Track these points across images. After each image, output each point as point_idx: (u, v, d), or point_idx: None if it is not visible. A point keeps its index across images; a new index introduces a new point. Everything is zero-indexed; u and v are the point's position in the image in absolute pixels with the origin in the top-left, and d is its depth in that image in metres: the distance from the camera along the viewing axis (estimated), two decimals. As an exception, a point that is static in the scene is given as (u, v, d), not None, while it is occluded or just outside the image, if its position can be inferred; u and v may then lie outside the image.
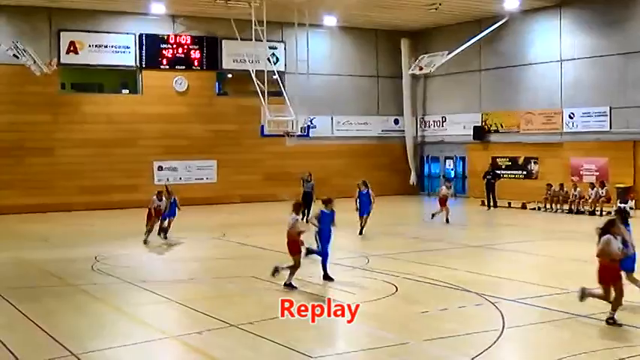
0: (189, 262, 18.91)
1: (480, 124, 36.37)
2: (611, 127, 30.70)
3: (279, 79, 33.63)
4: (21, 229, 26.21)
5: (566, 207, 29.56)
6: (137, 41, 33.70)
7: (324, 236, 14.99)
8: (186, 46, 34.65)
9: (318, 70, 35.93)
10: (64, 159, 32.32)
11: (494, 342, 10.45)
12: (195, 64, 34.86)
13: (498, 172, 33.85)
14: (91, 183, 32.59)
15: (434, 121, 39.44)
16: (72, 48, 32.52)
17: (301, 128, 31.25)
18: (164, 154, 34.15)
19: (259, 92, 30.42)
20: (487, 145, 36.20)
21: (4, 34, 30.39)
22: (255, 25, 30.51)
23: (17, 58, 29.14)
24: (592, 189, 28.99)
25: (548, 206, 30.16)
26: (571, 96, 32.20)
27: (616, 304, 11.16)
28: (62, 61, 32.21)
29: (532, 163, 34.15)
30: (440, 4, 32.17)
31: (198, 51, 34.86)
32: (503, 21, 34.27)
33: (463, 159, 38.09)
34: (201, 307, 12.81)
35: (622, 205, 27.70)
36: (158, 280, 16.09)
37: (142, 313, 13.00)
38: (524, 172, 34.45)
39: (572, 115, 32.12)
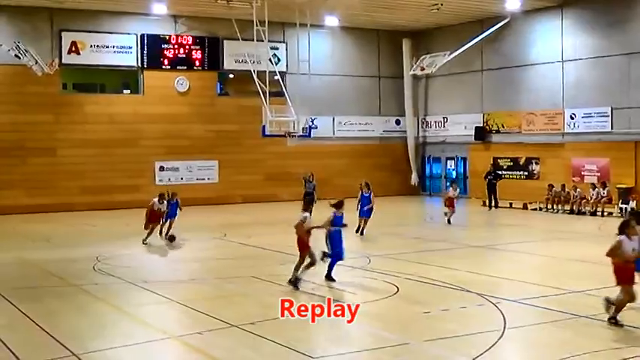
0: (190, 262, 18.91)
1: (481, 125, 36.35)
2: (612, 128, 30.66)
3: (280, 79, 33.64)
4: (23, 229, 26.22)
5: (567, 207, 29.54)
6: (138, 41, 33.71)
7: (336, 239, 14.87)
8: (187, 47, 34.66)
9: (319, 70, 35.93)
10: (65, 159, 32.34)
11: (496, 342, 10.43)
12: (197, 64, 34.87)
13: (500, 172, 33.84)
14: (93, 183, 32.60)
15: (435, 122, 39.42)
16: (73, 48, 32.54)
17: (302, 128, 31.22)
18: (165, 155, 34.16)
19: (260, 92, 30.41)
20: (488, 145, 36.18)
21: (6, 35, 30.41)
22: (256, 25, 30.49)
23: (19, 58, 29.19)
24: (593, 189, 28.99)
25: (549, 207, 30.15)
26: (573, 96, 32.17)
27: (621, 305, 11.12)
28: (64, 61, 32.23)
29: (533, 164, 34.11)
30: (441, 5, 32.14)
31: (199, 51, 34.87)
32: (505, 21, 34.26)
33: (464, 159, 38.07)
34: (202, 308, 12.81)
35: (623, 206, 27.75)
36: (159, 281, 16.09)
37: (143, 314, 13.00)
38: (526, 173, 34.42)
39: (573, 116, 32.09)
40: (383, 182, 34.83)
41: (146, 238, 21.43)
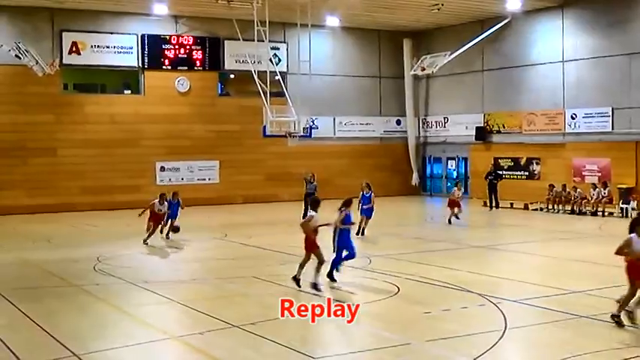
0: (190, 262, 18.92)
1: (482, 125, 36.34)
2: (613, 128, 30.65)
3: (281, 79, 33.63)
4: (23, 229, 26.23)
5: (568, 208, 29.53)
6: (139, 42, 33.71)
7: (345, 238, 14.80)
8: (188, 47, 34.67)
9: (320, 70, 35.93)
10: (66, 159, 32.35)
11: (497, 342, 10.43)
12: (198, 64, 34.88)
13: (500, 172, 33.84)
14: (94, 183, 32.61)
15: (436, 122, 39.42)
16: (74, 48, 32.54)
17: (303, 129, 31.20)
18: (166, 155, 34.17)
19: (261, 93, 30.40)
20: (489, 145, 36.18)
21: (7, 35, 30.44)
22: (257, 25, 30.49)
23: (19, 58, 29.22)
24: (594, 189, 28.98)
25: (550, 207, 30.14)
26: (573, 96, 32.17)
27: (626, 302, 11.09)
28: (64, 61, 32.25)
29: (534, 164, 34.11)
30: (442, 5, 32.16)
31: (200, 51, 34.88)
32: (506, 21, 34.29)
33: (465, 160, 38.07)
34: (203, 308, 12.81)
35: (624, 206, 27.75)
36: (160, 281, 16.09)
37: (144, 314, 13.00)
38: (527, 173, 34.41)
39: (574, 116, 32.09)
40: (383, 182, 34.86)
41: (147, 238, 21.41)
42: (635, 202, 27.86)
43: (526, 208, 31.22)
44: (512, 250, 20.45)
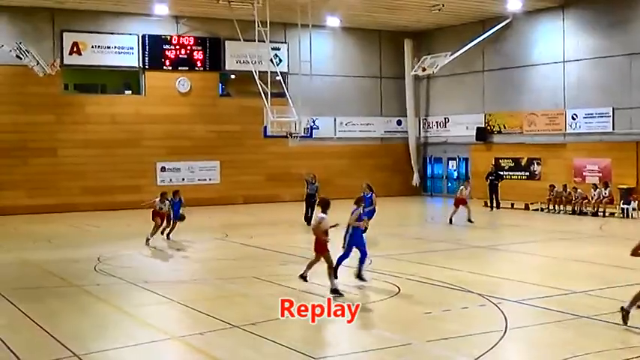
0: (191, 262, 18.94)
1: (482, 125, 36.33)
2: (614, 128, 30.65)
3: (281, 79, 33.62)
4: (24, 229, 26.25)
5: (569, 208, 29.52)
6: (140, 42, 33.72)
7: (358, 237, 14.69)
8: (189, 47, 34.67)
9: (320, 71, 35.89)
10: (67, 160, 32.37)
11: (498, 343, 10.43)
12: (198, 64, 34.88)
13: (501, 173, 33.83)
14: (94, 184, 32.62)
15: (437, 122, 39.41)
16: (75, 49, 32.55)
17: (304, 129, 31.20)
18: (167, 155, 34.17)
19: (262, 93, 30.40)
20: (490, 146, 36.17)
21: (7, 35, 30.44)
22: (258, 25, 30.50)
23: (20, 58, 29.23)
24: (594, 190, 28.97)
25: (551, 207, 30.13)
26: (574, 97, 32.17)
27: (637, 298, 11.04)
28: (65, 62, 32.25)
29: (535, 164, 34.11)
30: (443, 5, 32.15)
31: (201, 52, 34.88)
32: (507, 22, 34.29)
33: (466, 160, 38.06)
34: (203, 308, 12.81)
35: (625, 206, 27.74)
36: (160, 281, 16.09)
37: (145, 314, 13.00)
38: (527, 173, 34.41)
39: (575, 116, 32.08)
40: (384, 183, 34.87)
41: (151, 235, 21.23)
42: (636, 202, 27.85)
43: (527, 208, 31.21)
44: (512, 251, 20.44)
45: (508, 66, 35.05)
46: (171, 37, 34.38)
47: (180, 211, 22.18)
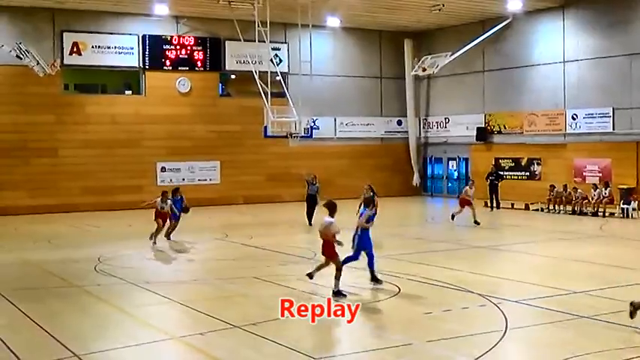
0: (191, 263, 18.95)
1: (483, 125, 36.34)
2: (614, 128, 30.67)
3: (282, 80, 33.62)
4: (25, 229, 26.25)
5: (569, 208, 29.53)
6: (140, 42, 33.73)
7: (366, 238, 14.47)
8: (189, 47, 34.68)
9: (321, 71, 35.86)
10: (67, 160, 32.37)
11: (498, 343, 10.43)
12: (199, 65, 34.89)
13: (501, 173, 33.84)
14: (95, 184, 32.63)
15: (437, 122, 39.42)
16: (75, 49, 32.55)
17: (304, 129, 31.20)
18: (167, 155, 34.18)
19: (262, 93, 30.41)
20: (490, 146, 36.18)
21: (7, 35, 30.45)
22: (258, 26, 30.51)
23: (20, 59, 29.23)
24: (594, 190, 28.97)
25: (551, 207, 30.13)
26: (574, 97, 32.18)
27: None
28: (65, 62, 32.26)
29: (535, 164, 34.12)
30: (443, 5, 32.16)
31: (201, 52, 34.89)
32: (507, 22, 34.29)
33: (466, 160, 38.07)
34: (204, 308, 12.82)
35: (625, 206, 27.74)
36: (161, 281, 16.09)
37: (145, 314, 13.00)
38: (528, 173, 34.42)
39: (575, 116, 32.09)
40: (384, 183, 34.87)
41: (154, 237, 21.11)
42: (636, 202, 27.86)
43: (527, 208, 31.21)
44: (513, 251, 20.44)
45: (508, 66, 35.06)
46: (172, 37, 34.38)
47: (184, 204, 22.17)
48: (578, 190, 29.50)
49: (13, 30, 31.06)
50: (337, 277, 13.60)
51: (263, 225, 27.00)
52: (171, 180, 33.49)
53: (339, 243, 13.73)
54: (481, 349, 10.02)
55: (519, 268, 17.47)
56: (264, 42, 30.81)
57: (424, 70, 34.92)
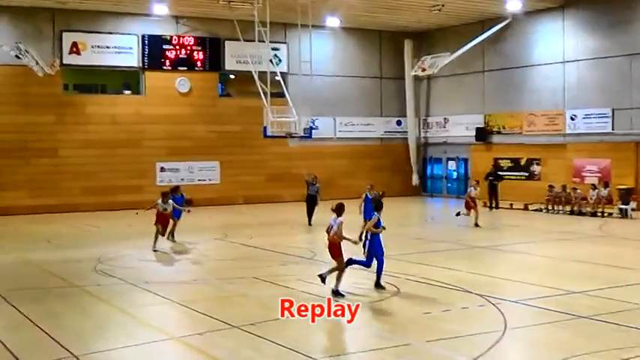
0: (191, 263, 18.97)
1: (482, 126, 36.36)
2: (613, 129, 30.68)
3: (281, 80, 33.62)
4: (25, 229, 26.27)
5: (568, 208, 29.55)
6: (140, 42, 33.73)
7: (377, 243, 14.26)
8: (189, 47, 34.69)
9: (320, 71, 35.84)
10: (67, 160, 32.39)
11: (497, 343, 10.46)
12: (198, 65, 34.91)
13: (501, 173, 33.86)
14: (95, 184, 32.65)
15: (437, 123, 39.45)
16: (74, 49, 32.56)
17: (304, 129, 31.19)
18: (167, 155, 34.19)
19: (262, 93, 30.41)
20: (490, 146, 36.20)
21: (7, 35, 30.46)
22: (258, 26, 30.49)
23: (20, 59, 29.24)
24: (593, 190, 28.99)
25: (550, 207, 30.15)
26: (574, 97, 32.19)
27: None
28: (65, 62, 32.26)
29: (534, 165, 34.14)
30: (443, 5, 32.19)
31: (201, 52, 34.90)
32: (507, 22, 34.30)
33: (466, 160, 38.08)
34: (203, 308, 12.84)
35: (624, 207, 27.77)
36: (161, 282, 16.11)
37: (145, 315, 13.03)
38: (527, 174, 34.44)
39: (574, 117, 32.10)
40: (384, 183, 34.67)
41: (154, 243, 20.64)
42: (635, 202, 27.87)
43: (526, 208, 31.23)
44: (512, 251, 20.46)
45: (508, 66, 35.08)
46: (171, 37, 34.40)
47: (188, 197, 22.24)
48: (577, 191, 29.53)
49: (13, 30, 31.07)
50: (338, 278, 13.63)
51: (263, 225, 27.02)
52: (170, 180, 33.39)
53: (355, 242, 13.89)
54: (480, 349, 10.05)
55: (518, 268, 17.48)
56: (264, 42, 30.80)
57: (424, 70, 34.96)
